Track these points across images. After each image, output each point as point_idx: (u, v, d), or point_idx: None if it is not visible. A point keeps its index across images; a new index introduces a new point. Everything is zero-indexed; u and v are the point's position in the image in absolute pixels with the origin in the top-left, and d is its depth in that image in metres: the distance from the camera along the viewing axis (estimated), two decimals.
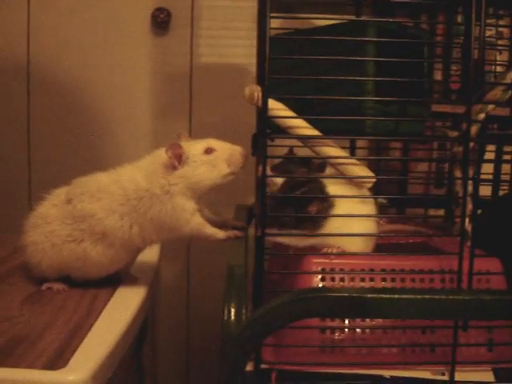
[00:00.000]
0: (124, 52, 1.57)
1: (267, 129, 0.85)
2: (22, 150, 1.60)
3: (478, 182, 0.90)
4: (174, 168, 0.93)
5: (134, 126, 1.59)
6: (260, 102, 0.87)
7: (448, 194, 1.30)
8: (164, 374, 1.61)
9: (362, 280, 0.87)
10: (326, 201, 0.88)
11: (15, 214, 1.57)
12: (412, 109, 0.97)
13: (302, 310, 0.69)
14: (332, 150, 0.88)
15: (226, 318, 0.73)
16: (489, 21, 1.38)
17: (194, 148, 0.95)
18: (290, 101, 0.90)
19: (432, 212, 1.42)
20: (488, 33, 1.39)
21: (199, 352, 1.68)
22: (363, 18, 1.27)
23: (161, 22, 1.54)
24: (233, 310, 0.73)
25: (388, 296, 0.69)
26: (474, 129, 0.97)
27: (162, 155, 0.94)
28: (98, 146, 1.59)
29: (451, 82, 1.38)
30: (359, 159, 0.94)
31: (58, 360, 0.72)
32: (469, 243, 0.95)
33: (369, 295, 0.68)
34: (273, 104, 0.86)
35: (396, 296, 0.69)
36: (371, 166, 0.98)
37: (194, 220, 0.94)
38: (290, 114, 0.88)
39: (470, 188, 1.00)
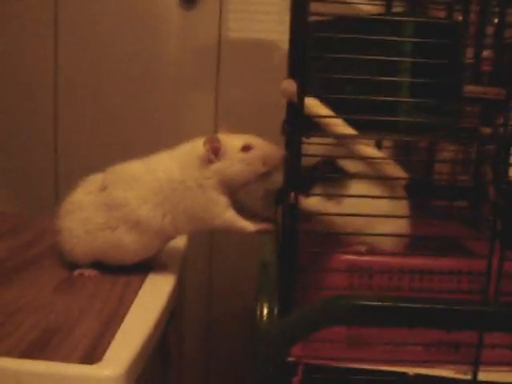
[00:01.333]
0: (152, 27, 1.55)
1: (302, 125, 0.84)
2: (49, 132, 1.60)
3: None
4: (210, 162, 0.94)
5: (161, 101, 1.58)
6: (296, 98, 0.87)
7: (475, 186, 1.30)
8: (187, 359, 1.63)
9: (390, 279, 0.88)
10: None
11: (40, 197, 1.61)
12: (446, 105, 0.96)
13: (335, 318, 0.70)
14: (367, 149, 0.88)
15: (258, 317, 0.74)
16: None
17: (231, 143, 0.95)
18: (323, 94, 0.90)
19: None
20: None
21: (221, 339, 1.71)
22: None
23: None
24: (265, 310, 0.74)
25: (419, 306, 0.70)
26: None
27: (198, 147, 0.94)
28: (126, 121, 1.59)
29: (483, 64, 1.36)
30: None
31: (93, 353, 0.74)
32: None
33: (401, 304, 0.70)
34: (308, 100, 0.86)
35: (427, 306, 0.71)
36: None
37: (226, 214, 0.95)
38: (326, 111, 0.87)
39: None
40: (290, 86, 0.87)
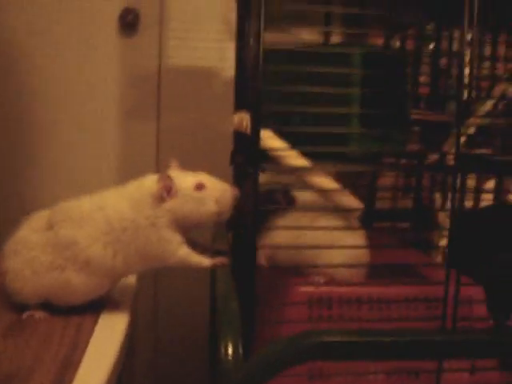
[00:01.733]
0: (90, 53, 1.52)
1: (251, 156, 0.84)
2: None
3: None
4: (163, 200, 0.91)
5: (101, 129, 1.55)
6: (249, 130, 0.86)
7: (417, 207, 1.33)
8: None
9: (349, 309, 0.88)
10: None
11: None
12: (395, 133, 0.98)
13: (303, 356, 0.69)
14: (322, 180, 0.88)
15: (223, 357, 0.72)
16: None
17: (184, 182, 0.93)
18: (274, 125, 0.90)
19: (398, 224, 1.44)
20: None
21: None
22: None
23: (128, 23, 1.50)
24: (230, 349, 0.72)
25: (387, 339, 0.71)
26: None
27: (150, 185, 0.92)
28: (63, 149, 1.55)
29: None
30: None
31: None
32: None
33: (368, 338, 0.70)
34: (262, 133, 0.85)
35: (393, 338, 0.71)
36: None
37: (179, 251, 0.92)
38: (279, 143, 0.87)
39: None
40: (243, 118, 0.87)
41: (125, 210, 0.92)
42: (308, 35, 1.32)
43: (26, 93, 1.53)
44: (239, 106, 1.06)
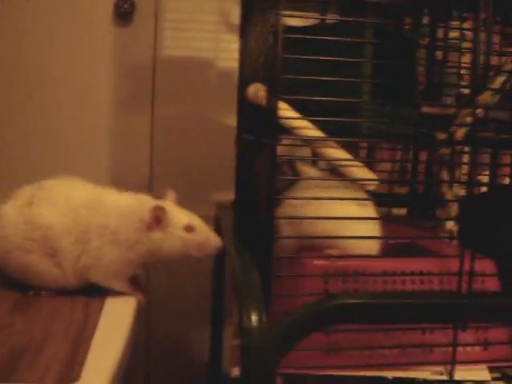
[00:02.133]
0: (85, 43, 1.51)
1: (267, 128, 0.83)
2: None
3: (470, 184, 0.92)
4: (150, 229, 0.91)
5: (95, 120, 1.53)
6: (265, 102, 0.85)
7: (411, 193, 1.33)
8: None
9: (364, 282, 0.87)
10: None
11: None
12: (404, 111, 0.98)
13: (329, 319, 0.68)
14: (336, 152, 0.88)
15: (246, 327, 0.70)
16: (453, 23, 1.41)
17: (177, 219, 0.93)
18: (287, 99, 0.89)
19: (395, 211, 1.44)
20: (452, 34, 1.43)
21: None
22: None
23: (124, 12, 1.49)
24: (254, 316, 0.71)
25: (405, 301, 0.70)
26: (461, 132, 0.98)
27: (144, 210, 0.91)
28: (56, 140, 1.52)
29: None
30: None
31: (68, 373, 0.69)
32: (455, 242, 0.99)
33: (394, 300, 0.69)
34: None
35: (413, 301, 0.71)
36: None
37: (119, 282, 0.94)
38: (295, 114, 0.86)
39: (455, 190, 1.03)
40: (258, 89, 0.86)
41: (111, 221, 0.91)
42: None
43: (18, 82, 1.50)
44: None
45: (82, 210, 0.91)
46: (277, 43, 0.79)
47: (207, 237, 0.94)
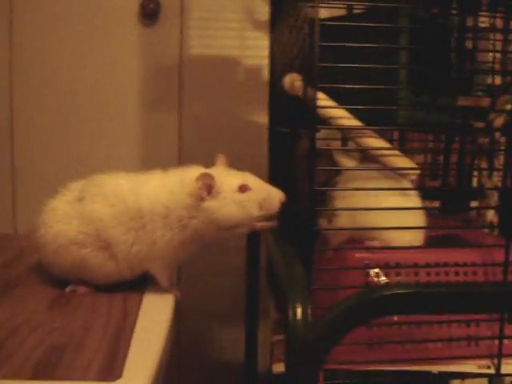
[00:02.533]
0: (111, 43, 1.51)
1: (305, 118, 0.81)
2: (6, 146, 1.51)
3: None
4: (202, 199, 0.85)
5: (122, 120, 1.53)
6: (301, 91, 0.84)
7: (443, 186, 1.30)
8: None
9: (407, 275, 0.85)
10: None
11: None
12: (441, 100, 0.96)
13: (375, 310, 0.67)
14: (375, 142, 0.86)
15: (291, 320, 0.68)
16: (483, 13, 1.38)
17: (227, 182, 0.86)
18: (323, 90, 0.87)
19: (428, 203, 1.41)
20: (482, 24, 1.40)
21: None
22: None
23: (149, 12, 1.49)
24: (299, 310, 0.69)
25: (450, 291, 0.69)
26: (500, 120, 0.96)
27: (191, 181, 0.86)
28: (86, 141, 1.52)
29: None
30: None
31: (110, 369, 0.67)
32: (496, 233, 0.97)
33: (440, 289, 0.68)
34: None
35: (458, 290, 0.69)
36: None
37: (165, 270, 0.91)
38: (333, 104, 0.85)
39: (494, 179, 1.00)
40: (295, 79, 0.84)
41: (160, 204, 0.87)
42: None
43: (46, 83, 1.50)
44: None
45: (129, 197, 0.88)
46: (313, 32, 0.77)
47: (267, 193, 0.88)
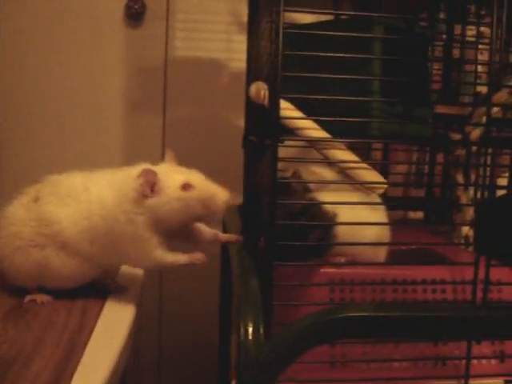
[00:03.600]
0: (96, 44, 1.49)
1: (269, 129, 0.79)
2: None
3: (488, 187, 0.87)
4: (145, 196, 0.84)
5: (106, 121, 1.51)
6: (267, 101, 0.82)
7: (427, 197, 1.28)
8: None
9: (373, 291, 0.83)
10: (329, 226, 0.82)
11: None
12: (417, 111, 0.93)
13: (332, 333, 0.64)
14: (342, 153, 0.83)
15: (242, 338, 0.66)
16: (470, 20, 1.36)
17: (170, 179, 0.85)
18: (291, 100, 0.84)
19: (412, 214, 1.39)
20: (469, 33, 1.37)
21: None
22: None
23: (135, 13, 1.46)
24: (250, 329, 0.67)
25: (420, 314, 0.66)
26: (477, 132, 0.94)
27: (133, 178, 0.85)
28: (70, 142, 1.50)
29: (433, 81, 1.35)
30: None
31: None
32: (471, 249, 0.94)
33: (401, 313, 0.65)
34: (281, 103, 0.80)
35: (428, 314, 0.66)
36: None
37: (154, 253, 0.86)
38: (299, 114, 0.82)
39: (470, 193, 0.98)
40: (261, 88, 0.82)
41: (107, 199, 0.86)
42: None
43: (30, 84, 1.48)
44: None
45: (82, 195, 0.87)
46: (277, 39, 0.75)
47: (211, 192, 0.86)
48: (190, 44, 1.52)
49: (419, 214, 1.34)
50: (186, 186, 0.85)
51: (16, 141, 1.50)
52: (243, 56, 1.46)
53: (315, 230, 0.81)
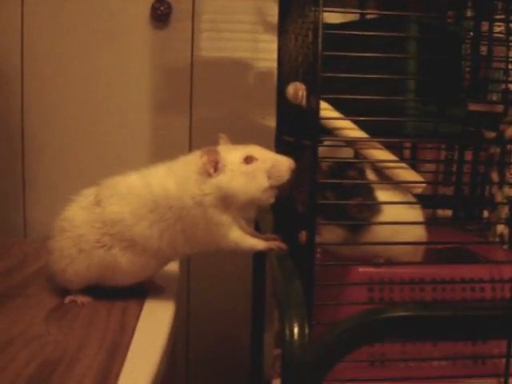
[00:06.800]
0: (122, 45, 1.49)
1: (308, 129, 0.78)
2: (16, 151, 1.50)
3: None
4: (209, 176, 0.84)
5: (133, 122, 1.51)
6: (304, 101, 0.82)
7: (457, 194, 1.27)
8: None
9: (412, 290, 0.83)
10: (371, 202, 0.82)
11: (8, 220, 1.51)
12: (451, 109, 0.93)
13: (377, 333, 0.64)
14: (380, 153, 0.83)
15: (288, 339, 0.66)
16: (498, 16, 1.35)
17: (232, 155, 0.86)
18: (327, 99, 0.84)
19: (440, 212, 1.38)
20: (497, 29, 1.36)
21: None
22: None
23: (161, 14, 1.47)
24: (296, 330, 0.67)
25: (466, 313, 0.66)
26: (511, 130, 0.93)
27: (195, 160, 0.86)
28: (97, 143, 1.51)
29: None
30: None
31: None
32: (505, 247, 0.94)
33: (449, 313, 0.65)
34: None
35: (473, 312, 0.66)
36: None
37: (230, 234, 0.86)
38: (337, 114, 0.82)
39: (505, 191, 0.97)
40: (298, 89, 0.82)
41: (170, 187, 0.86)
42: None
43: (59, 86, 1.49)
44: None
45: (143, 190, 0.88)
46: (317, 40, 0.75)
47: (273, 161, 0.86)
48: (215, 44, 1.52)
49: (448, 212, 1.33)
50: (248, 159, 0.86)
51: (42, 145, 1.51)
52: (269, 55, 1.46)
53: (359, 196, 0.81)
